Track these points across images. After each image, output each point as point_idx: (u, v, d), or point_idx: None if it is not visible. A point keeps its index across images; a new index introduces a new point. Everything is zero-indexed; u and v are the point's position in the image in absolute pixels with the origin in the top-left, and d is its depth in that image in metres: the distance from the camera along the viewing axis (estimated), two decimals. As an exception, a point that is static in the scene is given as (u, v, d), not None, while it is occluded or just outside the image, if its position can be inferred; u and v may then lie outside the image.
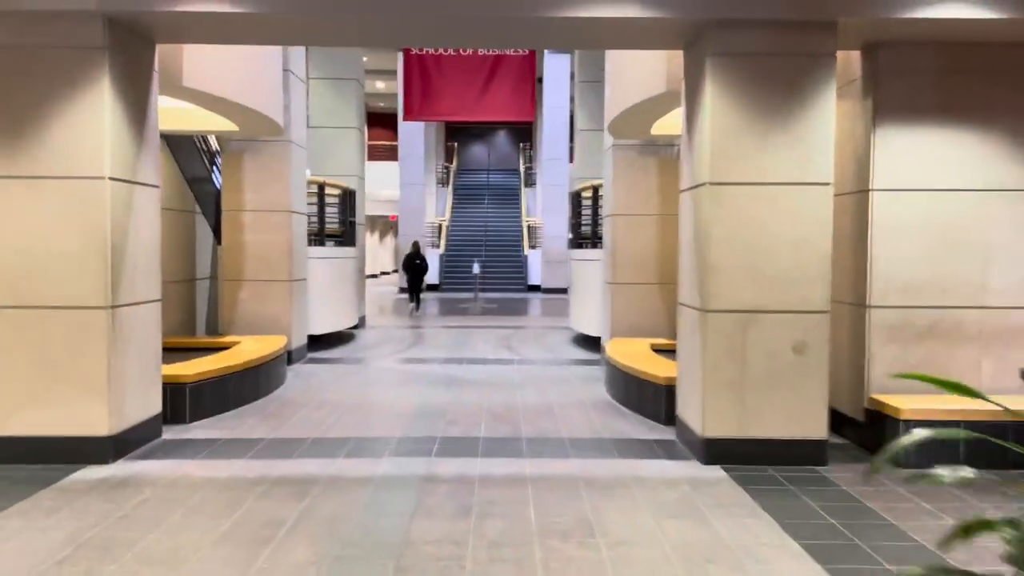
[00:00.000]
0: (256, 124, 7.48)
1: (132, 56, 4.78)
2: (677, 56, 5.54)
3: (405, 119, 13.09)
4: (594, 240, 9.77)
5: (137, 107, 4.84)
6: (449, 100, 12.75)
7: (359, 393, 7.10)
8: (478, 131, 32.86)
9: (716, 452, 4.64)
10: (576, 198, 10.60)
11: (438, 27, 4.78)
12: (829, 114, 4.57)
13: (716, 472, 4.52)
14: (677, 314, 5.32)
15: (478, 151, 32.91)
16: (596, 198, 9.72)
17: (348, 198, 10.70)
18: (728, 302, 4.64)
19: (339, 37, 5.20)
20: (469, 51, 12.51)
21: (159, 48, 5.26)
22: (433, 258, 23.69)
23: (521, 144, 31.42)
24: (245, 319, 8.44)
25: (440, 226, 25.03)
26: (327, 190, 10.03)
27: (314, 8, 4.53)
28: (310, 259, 9.44)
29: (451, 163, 29.55)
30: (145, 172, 4.95)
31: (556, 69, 21.79)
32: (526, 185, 28.16)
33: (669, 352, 7.37)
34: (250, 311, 8.45)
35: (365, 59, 23.72)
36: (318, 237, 9.78)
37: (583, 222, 10.55)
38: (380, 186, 28.12)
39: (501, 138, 33.36)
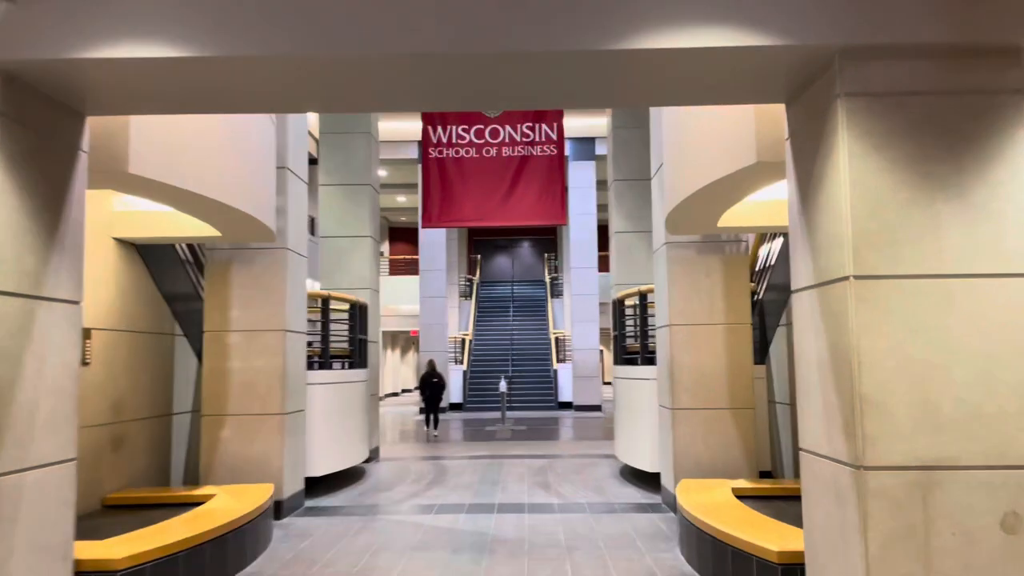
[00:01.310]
0: (242, 228, 6.26)
1: (43, 128, 3.55)
2: (768, 119, 4.25)
3: (424, 226, 11.98)
4: (644, 355, 8.28)
5: (47, 197, 3.57)
6: (471, 205, 11.67)
7: (360, 567, 5.47)
8: (502, 243, 32.08)
9: None
10: (618, 307, 9.20)
11: (477, 75, 3.52)
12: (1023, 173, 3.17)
13: None
14: (801, 465, 3.75)
15: (502, 262, 31.99)
16: (644, 306, 8.30)
17: (359, 313, 9.38)
18: (897, 454, 3.09)
19: (332, 93, 3.96)
20: (492, 152, 11.56)
21: (95, 123, 4.07)
22: (456, 375, 22.19)
23: (546, 254, 30.47)
24: (228, 463, 6.94)
25: (463, 341, 23.67)
26: (333, 304, 8.74)
27: (309, 51, 3.29)
28: (310, 386, 8.01)
29: (474, 275, 28.55)
30: (57, 283, 3.62)
31: (581, 177, 20.98)
32: (552, 296, 26.95)
33: (759, 500, 5.71)
34: (234, 453, 6.96)
35: (383, 173, 23.23)
36: (321, 359, 8.39)
37: (628, 334, 9.10)
38: (401, 300, 27.08)
39: (525, 249, 32.50)
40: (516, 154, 11.65)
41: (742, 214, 6.27)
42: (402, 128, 19.93)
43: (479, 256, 30.50)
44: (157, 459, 7.18)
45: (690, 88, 3.64)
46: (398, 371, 33.39)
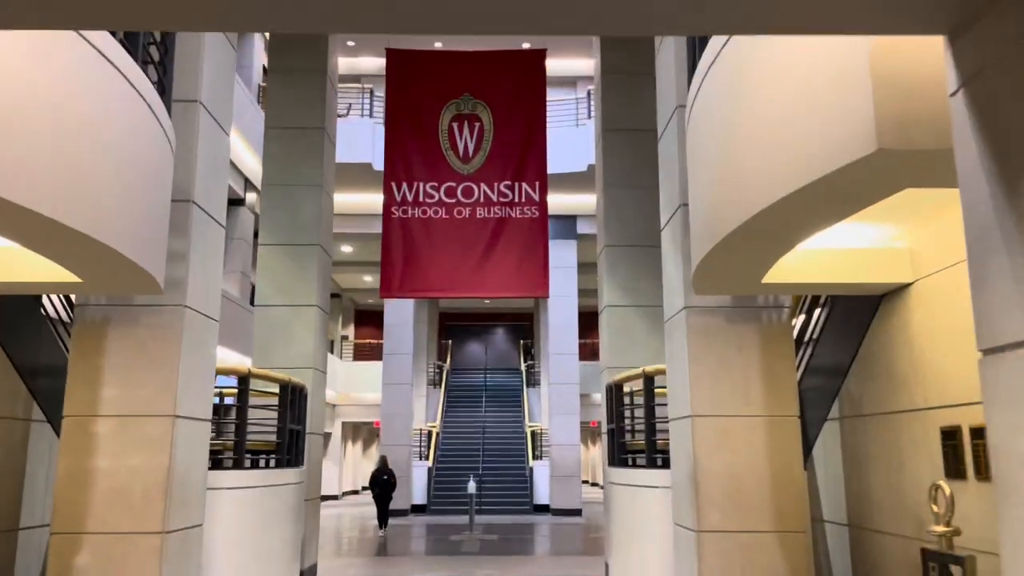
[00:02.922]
0: (111, 275, 4.53)
1: None
2: (892, 86, 2.67)
3: (383, 296, 10.25)
4: (652, 455, 6.48)
5: None
6: (439, 273, 10.01)
7: None
8: (476, 328, 30.36)
9: None
10: (614, 394, 7.45)
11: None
12: None
13: None
14: None
15: (474, 349, 30.16)
16: (651, 392, 6.56)
17: (295, 397, 7.52)
18: None
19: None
20: (465, 213, 10.03)
21: None
22: (420, 473, 19.97)
23: (522, 340, 28.75)
24: (78, 604, 4.93)
25: (430, 433, 21.54)
26: (255, 384, 6.88)
27: None
28: (214, 492, 6.06)
29: (444, 362, 26.65)
30: None
31: (562, 257, 19.50)
32: (528, 385, 25.05)
33: None
34: (88, 589, 4.96)
35: (348, 248, 21.60)
36: (235, 456, 6.46)
37: (627, 427, 7.31)
38: (365, 388, 25.02)
39: (499, 335, 30.79)
40: (492, 215, 10.13)
41: (793, 268, 4.67)
42: (370, 201, 18.46)
43: (450, 341, 28.68)
44: (-18, 596, 5.15)
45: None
46: (359, 467, 30.87)
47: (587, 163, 17.68)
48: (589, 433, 35.04)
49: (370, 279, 25.78)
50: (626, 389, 7.39)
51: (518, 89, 10.43)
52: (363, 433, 31.52)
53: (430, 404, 24.19)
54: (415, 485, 19.71)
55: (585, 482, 29.97)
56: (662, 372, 6.45)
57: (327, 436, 26.32)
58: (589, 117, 18.53)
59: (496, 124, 10.36)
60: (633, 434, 7.35)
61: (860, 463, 5.37)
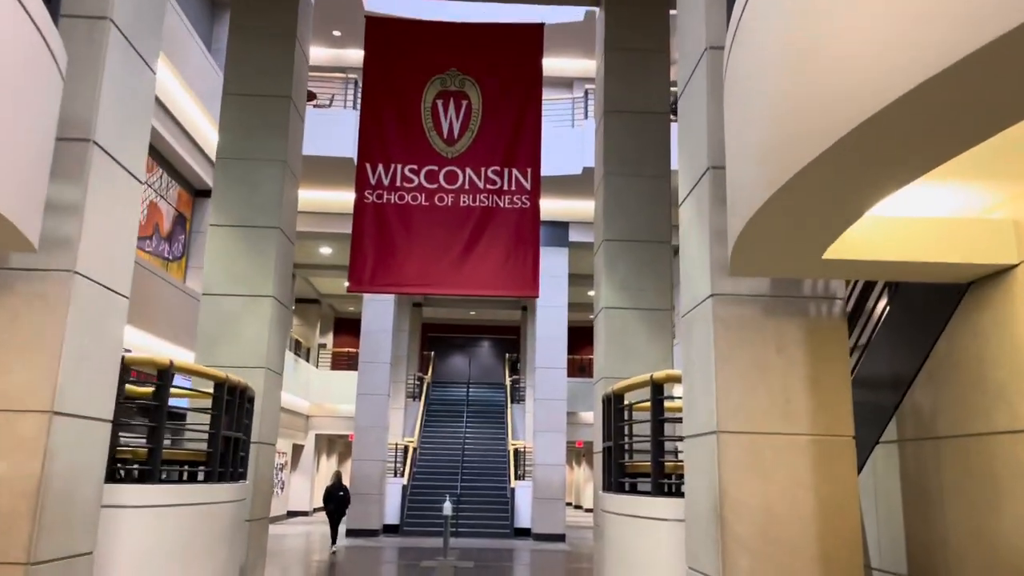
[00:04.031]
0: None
1: None
2: None
3: (351, 290, 9.07)
4: (657, 479, 5.31)
5: None
6: (415, 266, 8.86)
7: None
8: (459, 340, 29.17)
9: None
10: (612, 406, 6.27)
11: None
12: None
13: None
14: None
15: (457, 362, 28.92)
16: (659, 404, 5.41)
17: (234, 399, 6.32)
18: None
19: None
20: (447, 200, 8.89)
21: None
22: (395, 490, 18.67)
23: (507, 354, 27.55)
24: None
25: (406, 448, 20.26)
26: (181, 380, 5.67)
27: None
28: (113, 510, 4.85)
29: (425, 374, 25.41)
30: None
31: (552, 266, 18.35)
32: (513, 401, 23.83)
33: None
34: (-83, 639, 3.75)
35: (327, 250, 20.40)
36: (146, 466, 5.25)
37: (627, 445, 6.15)
38: (342, 399, 23.74)
39: (484, 348, 29.58)
40: (478, 204, 9.00)
41: (862, 241, 3.56)
42: (351, 199, 17.31)
43: (433, 353, 27.45)
44: None
45: None
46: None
47: (582, 166, 16.64)
48: (574, 453, 33.79)
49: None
50: (627, 400, 6.24)
51: (511, 66, 9.36)
52: (339, 446, 30.15)
53: (408, 417, 22.92)
54: (388, 503, 18.43)
55: (568, 504, 28.74)
56: (675, 379, 5.32)
57: (299, 449, 24.97)
58: (586, 117, 17.52)
59: (485, 104, 9.27)
60: (631, 454, 6.19)
61: (929, 499, 4.24)
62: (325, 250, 20.79)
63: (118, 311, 4.68)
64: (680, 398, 5.70)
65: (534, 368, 19.33)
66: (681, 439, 5.45)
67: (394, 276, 8.93)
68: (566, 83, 19.58)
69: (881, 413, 4.68)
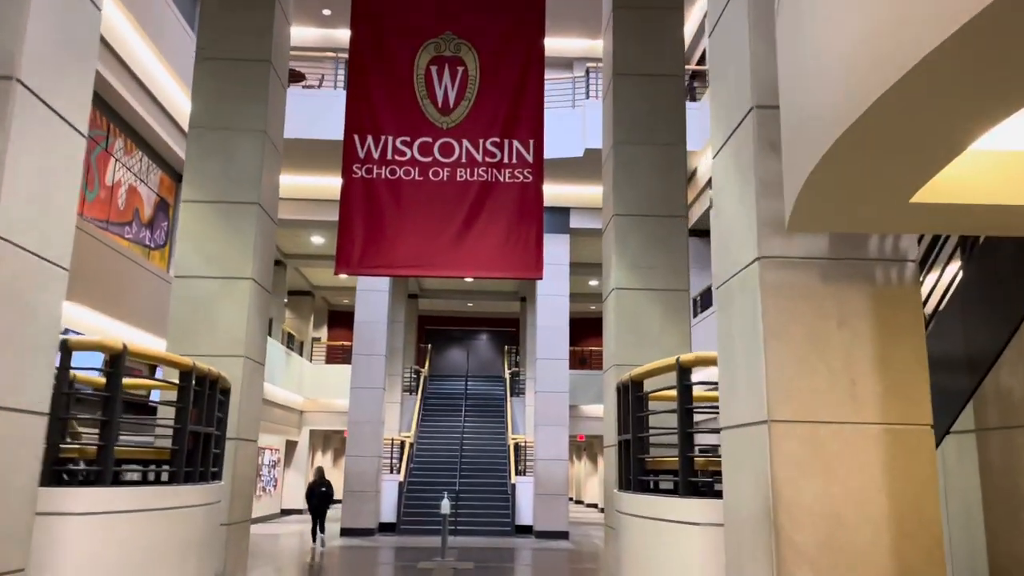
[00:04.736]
0: None
1: None
2: None
3: (338, 271, 8.36)
4: (686, 477, 4.60)
5: None
6: (409, 245, 8.14)
7: None
8: (457, 333, 28.47)
9: None
10: (629, 394, 5.55)
11: None
12: None
13: None
14: None
15: (455, 355, 28.21)
16: (687, 391, 4.70)
17: (204, 390, 5.60)
18: None
19: None
20: (443, 175, 8.18)
21: None
22: (391, 488, 17.98)
23: (506, 347, 26.85)
24: None
25: (403, 444, 19.57)
26: (138, 368, 4.97)
27: None
28: (55, 518, 4.15)
29: (422, 367, 24.70)
30: None
31: (553, 254, 17.50)
32: (512, 394, 23.13)
33: None
34: None
35: (319, 240, 19.63)
36: (95, 466, 4.53)
37: (651, 438, 5.44)
38: (337, 394, 22.99)
39: (483, 341, 28.86)
40: (476, 178, 8.30)
41: (959, 182, 2.86)
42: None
43: (430, 345, 26.73)
44: None
45: None
46: (329, 478, 28.76)
47: (584, 147, 15.92)
48: (575, 447, 33.14)
49: (344, 276, 23.84)
50: (647, 391, 5.53)
51: (511, 29, 8.63)
52: (334, 442, 29.46)
53: (404, 412, 22.23)
54: (384, 501, 17.74)
55: (569, 500, 28.11)
56: (706, 362, 4.61)
57: (292, 445, 24.28)
58: (587, 97, 16.79)
59: (483, 70, 8.55)
60: (645, 448, 5.47)
61: (1019, 499, 3.55)
62: (317, 239, 20.06)
63: (54, 284, 3.96)
64: (705, 384, 5.01)
65: (535, 359, 18.64)
66: (711, 431, 4.76)
67: (385, 257, 8.21)
68: (566, 64, 18.83)
69: (952, 398, 3.99)
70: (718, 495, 4.57)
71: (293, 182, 17.28)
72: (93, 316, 10.14)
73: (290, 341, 23.86)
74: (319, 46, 18.13)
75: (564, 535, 16.85)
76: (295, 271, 23.68)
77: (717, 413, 4.32)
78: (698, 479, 4.66)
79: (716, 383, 4.97)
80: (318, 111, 14.84)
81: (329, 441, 28.67)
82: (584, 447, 33.07)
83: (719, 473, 4.58)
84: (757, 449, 3.51)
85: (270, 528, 19.08)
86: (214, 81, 7.67)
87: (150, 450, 5.26)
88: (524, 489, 18.11)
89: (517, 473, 18.77)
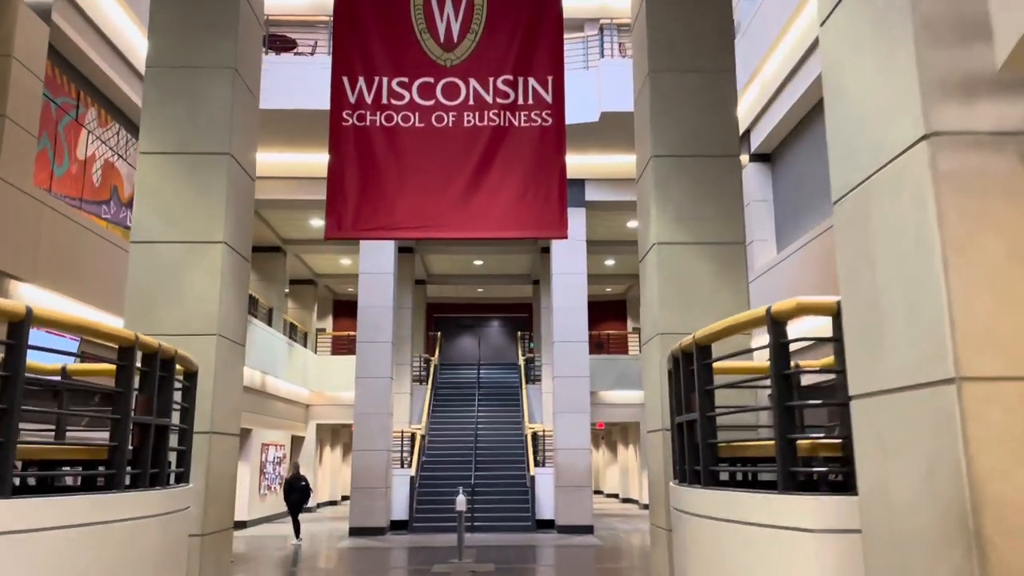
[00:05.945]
0: None
1: None
2: None
3: (329, 236, 7.17)
4: (785, 468, 3.38)
5: None
6: (409, 203, 6.95)
7: None
8: (468, 320, 27.34)
9: None
10: (697, 363, 4.32)
11: None
12: None
13: None
14: None
15: (467, 342, 27.08)
16: (783, 356, 3.47)
17: (153, 372, 4.43)
18: None
19: None
20: (448, 120, 6.96)
21: None
22: (402, 483, 16.86)
23: (520, 332, 25.67)
24: None
25: (413, 437, 18.43)
26: (65, 337, 3.78)
27: None
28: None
29: (432, 356, 23.56)
30: None
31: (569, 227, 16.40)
32: (528, 381, 21.95)
33: None
34: None
35: (317, 222, 18.45)
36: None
37: (718, 421, 4.23)
38: (343, 386, 21.87)
39: (495, 327, 27.72)
40: (487, 123, 7.08)
41: None
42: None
43: (440, 333, 25.58)
44: None
45: None
46: (338, 474, 27.75)
47: (600, 111, 14.68)
48: (594, 435, 31.99)
49: (349, 262, 22.71)
50: (713, 363, 4.32)
51: (522, -52, 7.39)
52: (343, 436, 28.38)
53: (415, 403, 21.09)
54: (395, 498, 16.63)
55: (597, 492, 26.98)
56: (815, 309, 3.39)
57: (299, 440, 23.21)
58: (601, 56, 15.53)
59: (492, -3, 7.32)
60: (712, 432, 4.26)
61: None
62: (316, 222, 18.89)
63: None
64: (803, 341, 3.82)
65: (551, 343, 17.45)
66: (817, 404, 3.57)
67: (383, 218, 7.01)
68: (577, 25, 17.54)
69: None
70: (835, 489, 3.37)
71: (290, 159, 16.11)
72: (61, 301, 9.02)
73: (293, 332, 22.75)
74: (311, 11, 16.92)
75: (589, 529, 15.70)
76: (295, 258, 22.55)
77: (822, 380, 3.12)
78: (801, 468, 3.45)
79: (814, 340, 3.77)
80: (312, 80, 13.65)
81: (338, 435, 27.60)
82: (602, 435, 31.90)
83: (835, 460, 3.39)
84: (933, 422, 2.31)
85: (275, 528, 18.01)
86: (174, 12, 6.49)
87: (79, 448, 4.09)
88: (544, 481, 16.95)
89: (536, 464, 17.61)
